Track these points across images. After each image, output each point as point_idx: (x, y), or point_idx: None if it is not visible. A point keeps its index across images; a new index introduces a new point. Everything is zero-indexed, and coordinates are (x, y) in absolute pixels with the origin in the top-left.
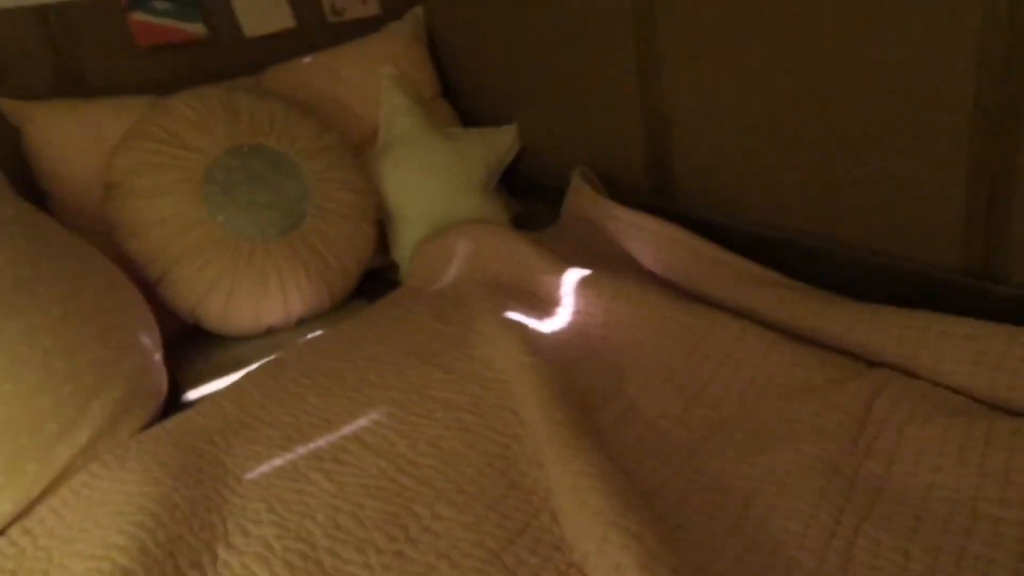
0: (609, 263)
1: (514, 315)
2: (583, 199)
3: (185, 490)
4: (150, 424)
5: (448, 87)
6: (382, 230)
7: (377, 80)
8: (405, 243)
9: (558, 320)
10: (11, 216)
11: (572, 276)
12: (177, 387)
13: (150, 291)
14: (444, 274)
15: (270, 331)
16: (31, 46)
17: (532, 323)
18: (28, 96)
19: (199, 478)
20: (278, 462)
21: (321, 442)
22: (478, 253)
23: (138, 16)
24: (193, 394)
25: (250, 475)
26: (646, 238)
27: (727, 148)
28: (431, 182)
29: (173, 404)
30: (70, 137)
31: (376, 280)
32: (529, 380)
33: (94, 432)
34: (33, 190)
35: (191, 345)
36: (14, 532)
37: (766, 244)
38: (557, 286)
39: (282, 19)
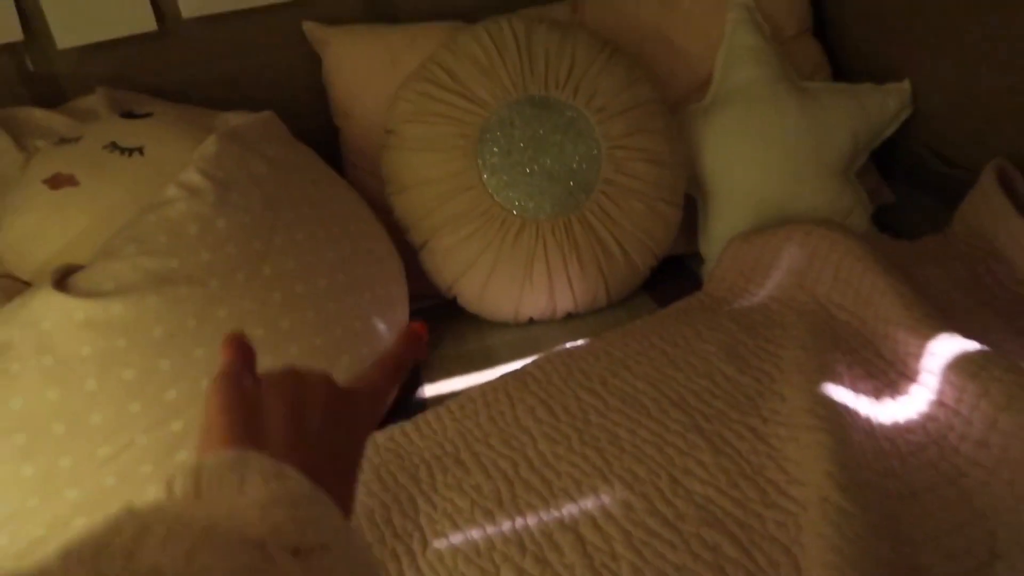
0: (1014, 327)
1: (837, 389)
2: (991, 211)
3: None
4: None
5: (822, 20)
6: (691, 209)
7: (723, 10)
8: (717, 233)
9: (905, 407)
10: (264, 171)
11: (945, 345)
12: (417, 369)
13: (413, 257)
14: (757, 286)
15: (531, 322)
16: None
17: (863, 402)
18: (335, 20)
19: (383, 533)
20: (474, 535)
21: (531, 519)
22: (808, 269)
23: None
24: (430, 390)
25: (438, 543)
26: None
27: None
28: (768, 156)
29: (410, 390)
30: (363, 66)
31: (672, 269)
32: (829, 537)
33: None
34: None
35: (445, 321)
36: None
37: None
38: (916, 352)
39: None
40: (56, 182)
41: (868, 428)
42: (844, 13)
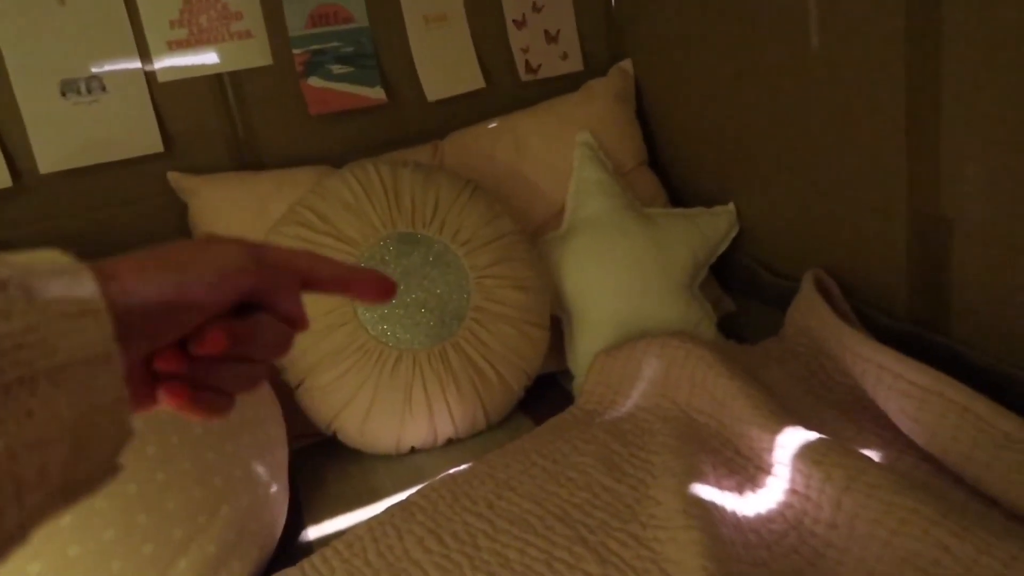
0: (847, 415)
1: (705, 488)
2: (814, 315)
3: None
4: None
5: (656, 154)
6: (557, 329)
7: (569, 148)
8: (583, 349)
9: (765, 498)
10: None
11: (792, 438)
12: (299, 510)
13: (290, 396)
14: (624, 397)
15: (413, 451)
16: (205, 117)
17: (729, 498)
18: (201, 169)
19: None
20: None
21: None
22: (667, 379)
23: (314, 82)
24: (314, 532)
25: None
26: (900, 390)
27: None
28: (621, 277)
29: (294, 533)
30: (231, 212)
31: (545, 386)
32: None
33: None
34: None
35: (328, 458)
36: None
37: None
38: (769, 447)
39: (470, 80)
40: None
41: (735, 522)
42: (673, 149)
